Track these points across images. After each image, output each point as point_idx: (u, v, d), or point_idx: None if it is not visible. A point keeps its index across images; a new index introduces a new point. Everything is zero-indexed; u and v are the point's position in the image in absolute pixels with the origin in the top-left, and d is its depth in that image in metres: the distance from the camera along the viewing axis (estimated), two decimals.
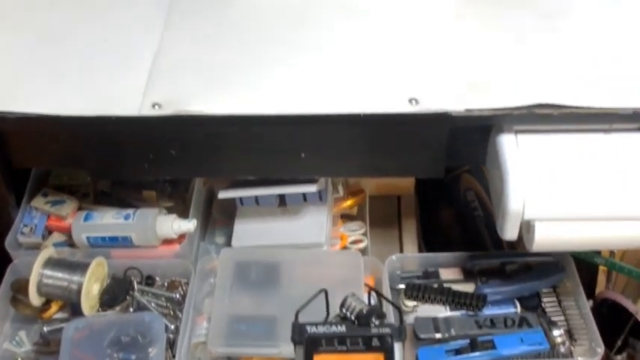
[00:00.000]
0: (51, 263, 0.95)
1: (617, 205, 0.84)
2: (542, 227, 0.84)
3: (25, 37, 0.97)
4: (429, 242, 1.16)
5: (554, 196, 0.84)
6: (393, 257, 1.00)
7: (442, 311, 0.96)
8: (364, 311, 0.80)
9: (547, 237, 0.85)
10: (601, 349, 0.91)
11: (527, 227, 0.86)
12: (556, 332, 0.92)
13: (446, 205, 1.23)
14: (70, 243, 1.02)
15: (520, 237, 0.87)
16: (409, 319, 0.95)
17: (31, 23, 0.99)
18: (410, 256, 1.04)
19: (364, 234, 1.07)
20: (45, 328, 0.95)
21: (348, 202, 1.09)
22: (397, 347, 0.78)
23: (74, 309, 0.96)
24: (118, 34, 0.96)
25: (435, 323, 0.93)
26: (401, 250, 1.11)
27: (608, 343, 0.96)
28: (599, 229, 0.85)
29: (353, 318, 0.80)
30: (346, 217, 1.10)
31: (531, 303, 0.97)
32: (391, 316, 0.89)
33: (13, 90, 0.90)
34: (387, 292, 0.95)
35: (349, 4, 0.98)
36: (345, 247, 1.05)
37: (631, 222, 0.84)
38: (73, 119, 0.87)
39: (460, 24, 0.95)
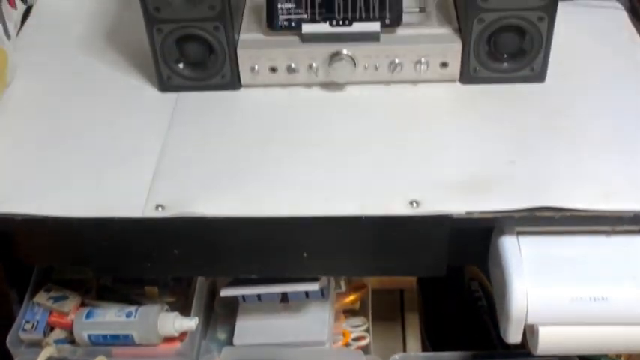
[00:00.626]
0: None
1: (622, 310, 0.83)
2: (546, 332, 0.83)
3: (33, 136, 0.99)
4: (432, 336, 1.15)
5: (557, 299, 0.83)
6: (396, 357, 0.98)
7: None
8: None
9: (551, 341, 0.84)
10: None
11: (530, 330, 0.85)
12: None
13: (449, 295, 1.22)
14: (72, 339, 1.01)
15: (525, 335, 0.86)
16: None
17: (40, 123, 1.01)
18: (413, 356, 1.03)
19: (367, 330, 1.06)
20: None
21: (351, 297, 1.09)
22: None
23: None
24: (124, 133, 0.98)
25: None
26: (404, 347, 1.09)
27: None
28: (604, 333, 0.84)
29: None
30: (349, 312, 1.09)
31: None
32: None
33: (20, 191, 0.91)
34: None
35: (349, 104, 1.00)
36: (347, 344, 1.04)
37: (636, 326, 0.83)
38: (77, 220, 0.88)
39: (461, 122, 0.96)
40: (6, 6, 1.09)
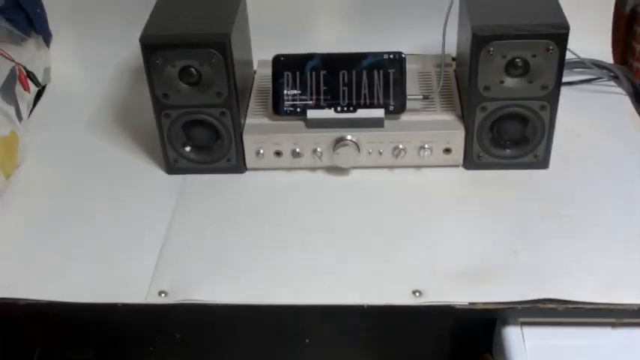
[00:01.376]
0: None
1: None
2: None
3: (39, 218, 0.99)
4: None
5: None
6: None
7: None
8: None
9: None
10: None
11: None
12: None
13: None
14: None
15: None
16: None
17: (47, 205, 1.01)
18: None
19: None
20: None
21: None
22: None
23: None
24: (129, 216, 0.98)
25: None
26: None
27: None
28: None
29: None
30: None
31: None
32: None
33: (24, 274, 0.91)
34: None
35: (353, 188, 1.00)
36: None
37: None
38: (80, 305, 0.87)
39: (464, 208, 0.96)
40: (19, 88, 1.11)
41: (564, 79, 0.95)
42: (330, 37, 1.22)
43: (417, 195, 0.99)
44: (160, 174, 1.04)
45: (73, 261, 0.92)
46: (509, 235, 0.92)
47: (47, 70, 1.23)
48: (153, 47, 0.94)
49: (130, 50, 1.17)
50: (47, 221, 0.99)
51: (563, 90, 0.96)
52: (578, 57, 1.12)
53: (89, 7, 1.24)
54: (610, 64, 1.17)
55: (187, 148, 1.02)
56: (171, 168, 1.04)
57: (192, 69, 0.95)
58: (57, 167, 1.07)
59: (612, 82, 1.15)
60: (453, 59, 1.11)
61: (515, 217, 0.94)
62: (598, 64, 1.16)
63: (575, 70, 1.16)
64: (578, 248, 0.90)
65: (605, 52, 1.20)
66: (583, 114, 1.09)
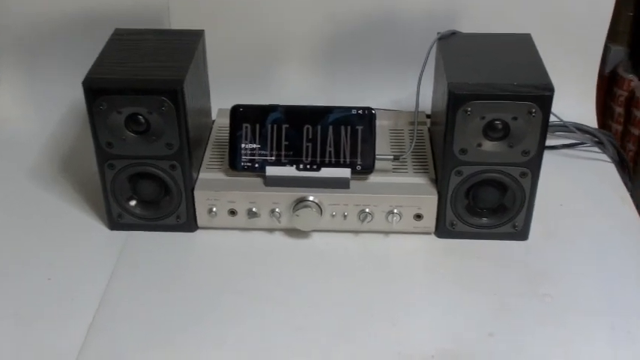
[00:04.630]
0: None
1: None
2: None
3: None
4: None
5: None
6: None
7: None
8: None
9: None
10: None
11: None
12: None
13: None
14: None
15: None
16: None
17: None
18: None
19: None
20: None
21: None
22: None
23: None
24: (63, 277, 0.88)
25: None
26: None
27: None
28: None
29: None
30: None
31: None
32: None
33: None
34: None
35: (313, 254, 0.91)
36: None
37: None
38: None
39: (435, 281, 0.87)
40: None
41: (546, 142, 0.87)
42: (295, 88, 1.14)
43: (384, 264, 0.90)
44: (102, 230, 0.95)
45: None
46: (483, 315, 0.83)
47: None
48: (97, 91, 0.86)
49: (80, 93, 1.07)
50: None
51: (545, 154, 0.88)
52: (561, 120, 1.05)
53: (36, 47, 1.15)
54: (594, 128, 1.10)
55: (132, 203, 0.93)
56: (114, 224, 0.94)
57: (140, 117, 0.87)
58: None
59: (596, 148, 1.07)
60: (428, 117, 1.04)
61: (490, 294, 0.85)
62: (581, 129, 1.08)
63: (557, 133, 1.09)
64: (560, 332, 0.80)
65: (589, 116, 1.13)
66: (566, 181, 1.02)
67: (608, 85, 1.21)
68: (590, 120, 1.13)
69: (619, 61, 1.20)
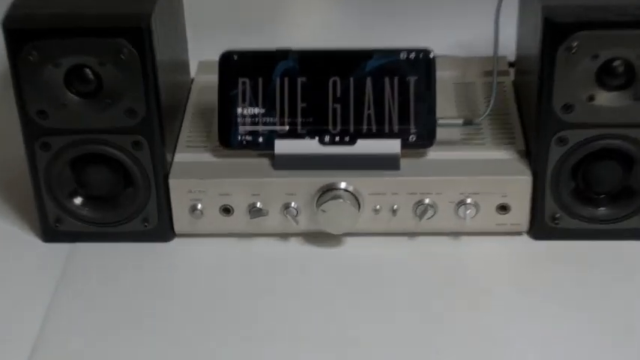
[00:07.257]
0: None
1: None
2: None
3: None
4: None
5: None
6: None
7: None
8: None
9: None
10: None
11: None
12: None
13: None
14: None
15: None
16: None
17: None
18: None
19: None
20: None
21: None
22: None
23: None
24: None
25: None
26: None
27: None
28: None
29: None
30: None
31: None
32: None
33: None
34: None
35: (346, 268, 0.94)
36: None
37: None
38: None
39: (529, 302, 0.90)
40: None
41: None
42: (313, 27, 1.18)
43: (454, 280, 0.94)
44: (33, 242, 1.00)
45: None
46: (605, 350, 0.85)
47: None
48: (22, 34, 0.88)
49: None
50: None
51: None
52: None
53: None
54: None
55: (77, 200, 0.98)
56: (51, 232, 0.99)
57: (88, 70, 0.91)
58: None
59: None
60: (511, 65, 1.10)
61: (610, 316, 0.89)
62: None
63: None
64: None
65: None
66: None
67: None
68: None
69: None
